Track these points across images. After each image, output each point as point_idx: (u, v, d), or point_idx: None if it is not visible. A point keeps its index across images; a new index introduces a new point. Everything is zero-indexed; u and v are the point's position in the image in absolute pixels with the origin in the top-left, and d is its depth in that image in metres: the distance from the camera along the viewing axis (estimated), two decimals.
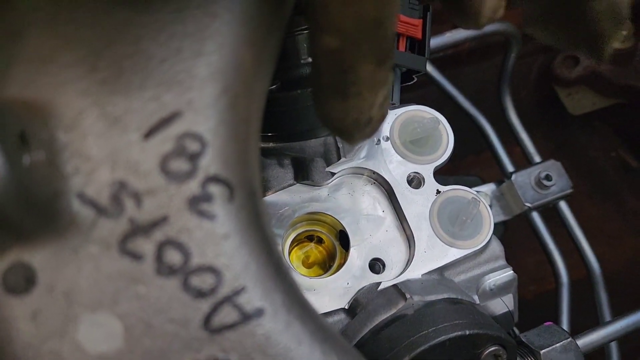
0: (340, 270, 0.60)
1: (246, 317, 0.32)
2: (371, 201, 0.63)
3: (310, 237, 0.65)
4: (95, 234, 0.31)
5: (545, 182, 0.77)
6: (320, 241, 0.64)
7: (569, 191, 0.78)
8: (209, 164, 0.33)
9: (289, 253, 0.64)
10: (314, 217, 0.63)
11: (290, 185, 0.62)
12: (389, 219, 0.62)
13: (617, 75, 1.00)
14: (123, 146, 0.32)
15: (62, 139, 0.31)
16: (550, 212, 0.87)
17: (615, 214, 1.06)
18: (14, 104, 0.31)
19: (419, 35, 0.54)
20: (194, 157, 0.33)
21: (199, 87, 0.33)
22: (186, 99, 0.33)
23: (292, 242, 0.64)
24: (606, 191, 1.09)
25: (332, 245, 0.64)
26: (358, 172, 0.63)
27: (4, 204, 0.27)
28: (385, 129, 0.64)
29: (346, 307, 0.57)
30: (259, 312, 0.32)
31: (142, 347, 0.31)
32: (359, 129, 0.36)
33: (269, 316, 0.32)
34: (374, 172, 0.63)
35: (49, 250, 0.31)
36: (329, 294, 0.58)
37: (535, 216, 0.82)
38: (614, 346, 0.71)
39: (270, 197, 0.61)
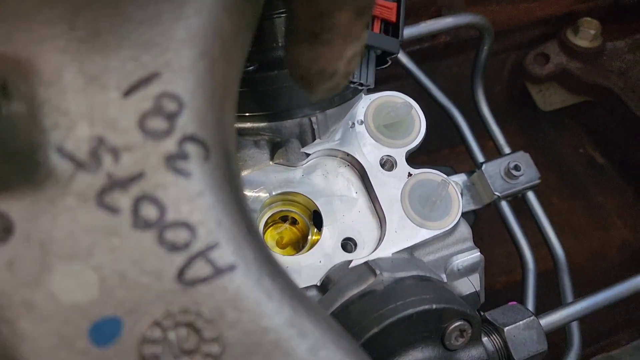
0: (313, 249, 0.61)
1: (218, 271, 0.33)
2: (345, 182, 0.64)
3: (284, 218, 0.66)
4: (73, 187, 0.32)
5: (514, 172, 0.80)
6: (294, 222, 0.66)
7: (536, 181, 0.80)
8: (186, 123, 0.34)
9: (264, 234, 0.65)
10: (288, 198, 0.64)
11: (266, 165, 0.64)
12: (362, 200, 0.64)
13: (585, 73, 1.04)
14: (102, 103, 0.33)
15: (42, 94, 0.32)
16: (519, 205, 0.89)
17: (582, 208, 1.09)
18: None
19: (393, 18, 0.55)
20: (171, 117, 0.34)
21: (177, 49, 0.34)
22: (164, 60, 0.34)
23: (267, 222, 0.65)
24: (574, 186, 1.12)
25: (306, 226, 0.65)
26: (332, 154, 0.65)
27: None
28: (360, 112, 0.66)
29: (318, 284, 0.59)
30: (231, 267, 0.33)
31: (116, 297, 0.32)
32: (322, 79, 0.37)
33: (240, 271, 0.33)
34: (348, 155, 0.64)
35: (26, 201, 0.31)
36: (301, 271, 0.60)
37: (505, 206, 0.84)
38: (574, 326, 0.73)
39: (246, 176, 0.63)
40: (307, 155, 0.63)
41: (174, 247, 0.33)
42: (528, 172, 0.80)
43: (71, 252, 0.31)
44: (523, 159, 0.81)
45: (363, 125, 0.66)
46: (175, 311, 0.32)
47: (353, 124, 0.65)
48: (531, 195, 0.85)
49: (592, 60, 1.04)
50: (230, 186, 0.35)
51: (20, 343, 0.31)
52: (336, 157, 0.65)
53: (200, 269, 0.33)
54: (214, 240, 0.33)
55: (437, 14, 0.96)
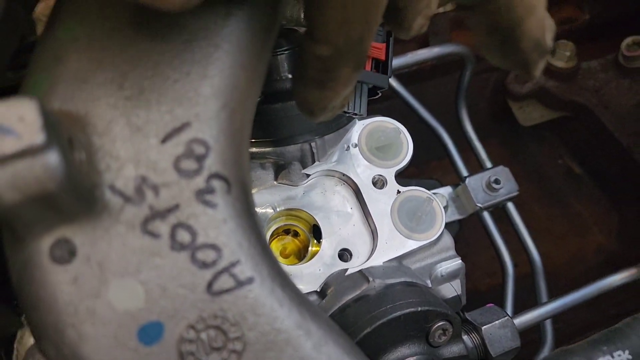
0: (313, 259, 0.69)
1: (240, 283, 0.41)
2: (341, 199, 0.72)
3: (287, 231, 0.74)
4: (122, 217, 0.40)
5: (495, 185, 0.88)
6: (296, 234, 0.74)
7: (515, 193, 0.88)
8: (212, 163, 0.42)
9: (269, 244, 0.73)
10: (291, 213, 0.73)
11: (271, 185, 0.72)
12: (356, 215, 0.72)
13: (562, 91, 1.12)
14: (144, 149, 0.41)
15: (97, 143, 0.40)
16: (500, 214, 0.98)
17: (561, 216, 1.18)
18: (61, 114, 0.39)
19: (383, 57, 0.63)
20: (200, 158, 0.42)
21: (203, 103, 0.42)
22: (194, 113, 0.42)
23: (272, 235, 0.73)
24: (553, 195, 1.20)
25: (307, 238, 0.73)
26: (330, 174, 0.73)
27: (59, 193, 0.36)
28: (354, 136, 0.74)
29: (318, 290, 0.67)
30: (250, 280, 0.41)
31: (159, 305, 0.40)
32: (324, 112, 0.47)
33: (257, 283, 0.41)
34: (344, 174, 0.72)
35: (86, 229, 0.39)
36: (303, 279, 0.68)
37: (486, 215, 0.92)
38: (548, 324, 0.81)
39: (254, 195, 0.71)
40: (308, 175, 0.72)
41: (204, 265, 0.41)
42: (507, 185, 0.88)
43: (123, 269, 0.39)
44: (503, 173, 0.89)
45: (357, 148, 0.74)
46: (206, 316, 0.40)
47: (348, 147, 0.74)
48: (510, 206, 0.93)
49: (568, 79, 1.13)
50: (248, 214, 0.43)
51: (84, 343, 0.39)
52: (333, 176, 0.73)
53: (225, 282, 0.41)
54: (236, 259, 0.41)
55: (424, 39, 1.04)
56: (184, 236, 0.41)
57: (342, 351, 0.43)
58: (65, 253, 0.39)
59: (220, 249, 0.41)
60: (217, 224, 0.41)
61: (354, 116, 0.66)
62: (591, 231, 1.16)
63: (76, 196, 0.39)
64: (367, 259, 0.69)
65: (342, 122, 0.72)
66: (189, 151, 0.41)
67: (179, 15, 0.41)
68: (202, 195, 0.41)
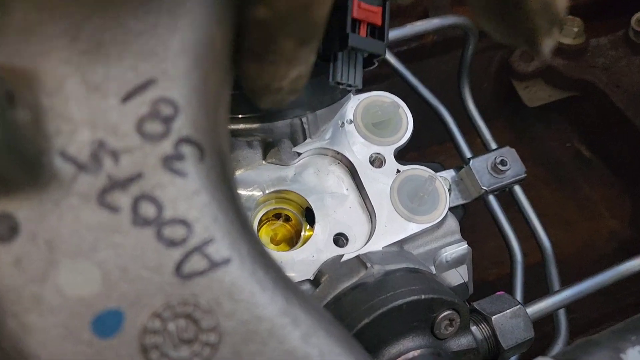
0: (306, 244, 0.63)
1: (214, 264, 0.35)
2: (335, 180, 0.66)
3: (277, 215, 0.68)
4: (75, 188, 0.34)
5: (501, 167, 0.82)
6: (287, 219, 0.68)
7: (522, 175, 0.82)
8: (181, 126, 0.36)
9: (258, 231, 0.67)
10: (281, 196, 0.67)
11: (259, 164, 0.66)
12: (352, 196, 0.66)
13: (570, 69, 1.06)
14: (102, 109, 0.35)
15: (46, 103, 0.34)
16: (507, 200, 0.92)
17: (570, 200, 1.12)
18: (0, 69, 0.33)
19: (379, 22, 0.57)
20: (167, 120, 0.36)
21: (173, 58, 0.37)
22: (161, 69, 0.36)
23: (261, 220, 0.67)
24: (562, 179, 1.14)
25: (299, 223, 0.67)
26: (323, 152, 0.67)
27: None
28: (349, 112, 0.68)
29: (311, 278, 0.61)
30: (226, 261, 0.35)
31: (119, 290, 0.34)
32: (267, 93, 0.41)
33: (235, 264, 0.36)
34: (338, 153, 0.66)
35: (32, 202, 0.33)
36: (295, 266, 0.62)
37: (492, 200, 0.86)
38: (562, 314, 0.76)
39: (240, 175, 0.65)
40: (299, 154, 0.66)
41: (171, 243, 0.35)
42: (514, 166, 0.82)
43: (75, 249, 0.33)
44: (509, 154, 0.83)
45: (352, 124, 0.68)
46: (174, 303, 0.34)
47: (343, 123, 0.68)
48: (518, 189, 0.87)
49: (576, 57, 1.06)
50: (225, 185, 0.37)
51: (27, 335, 0.33)
52: (327, 155, 0.67)
53: (196, 262, 0.35)
54: (210, 236, 0.35)
55: (424, 14, 0.98)
56: (148, 209, 0.35)
57: (334, 343, 0.37)
58: (5, 230, 0.33)
59: (190, 225, 0.35)
60: (188, 196, 0.35)
61: (349, 88, 0.60)
62: (603, 216, 1.10)
63: (18, 163, 0.33)
64: (365, 244, 0.63)
65: (335, 96, 0.66)
66: (154, 112, 0.36)
67: None
68: (170, 162, 0.35)
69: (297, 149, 0.65)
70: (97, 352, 0.33)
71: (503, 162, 0.82)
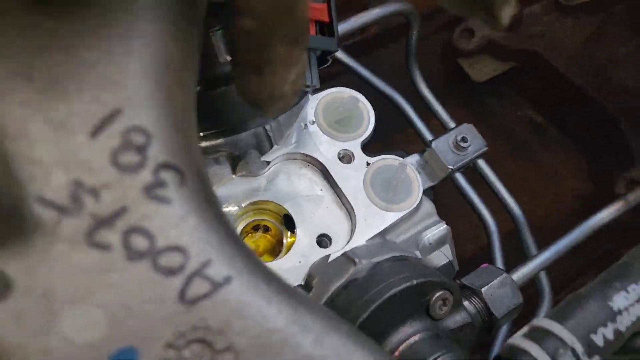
0: (290, 252, 0.63)
1: (217, 285, 0.35)
2: (308, 182, 0.66)
3: (256, 227, 0.67)
4: (61, 233, 0.33)
5: (462, 144, 0.83)
6: (266, 229, 0.67)
7: (484, 149, 0.84)
8: (157, 153, 0.35)
9: None
10: (257, 207, 0.66)
11: (229, 179, 0.65)
12: (328, 196, 0.66)
13: (509, 41, 1.09)
14: (72, 148, 0.34)
15: (12, 149, 0.33)
16: (473, 177, 0.94)
17: (531, 167, 1.15)
18: None
19: (326, 18, 0.58)
20: (141, 149, 0.35)
21: (134, 84, 0.36)
22: (124, 97, 0.35)
23: (241, 234, 0.67)
24: (520, 148, 1.18)
25: (279, 232, 0.67)
26: (291, 157, 0.67)
27: None
28: (310, 113, 0.68)
29: (302, 283, 0.61)
30: (227, 280, 0.35)
31: (127, 329, 0.33)
32: (272, 102, 0.41)
33: (236, 282, 0.35)
34: (307, 155, 0.66)
35: (20, 255, 0.32)
36: (283, 274, 0.61)
37: (460, 177, 0.88)
38: (543, 276, 0.78)
39: None
40: (268, 163, 0.65)
41: (170, 272, 0.34)
42: (475, 141, 0.84)
43: (74, 294, 0.32)
44: (468, 130, 0.85)
45: (315, 124, 0.68)
46: (185, 330, 0.33)
47: (305, 125, 0.68)
48: (482, 163, 0.89)
49: (513, 27, 1.10)
50: (209, 205, 0.37)
51: None
52: (296, 159, 0.67)
53: (199, 286, 0.34)
54: (206, 258, 0.35)
55: (364, 8, 0.99)
56: (139, 242, 0.34)
57: (347, 340, 0.37)
58: (0, 287, 0.32)
59: (185, 250, 0.35)
60: (176, 222, 0.35)
61: (307, 89, 0.60)
62: (564, 178, 1.14)
63: None
64: (348, 241, 0.63)
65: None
66: (126, 142, 0.35)
67: None
68: (152, 191, 0.35)
69: (265, 157, 0.65)
70: None
71: (464, 139, 0.84)
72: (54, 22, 0.35)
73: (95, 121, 0.35)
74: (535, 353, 0.43)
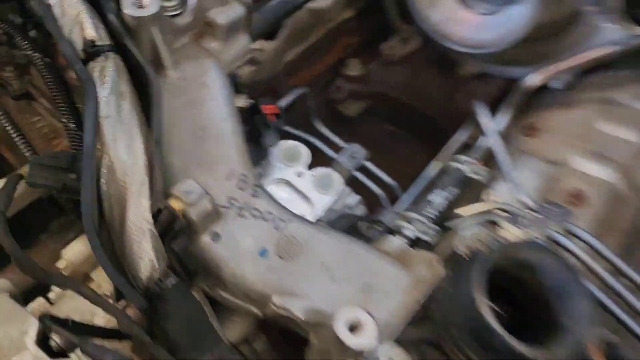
0: None
1: None
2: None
3: None
4: None
5: (354, 155, 1.50)
6: None
7: (365, 154, 1.51)
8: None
9: None
10: None
11: None
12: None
13: (364, 88, 1.78)
14: None
15: None
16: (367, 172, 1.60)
17: (392, 158, 1.85)
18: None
19: (277, 111, 1.21)
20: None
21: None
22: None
23: None
24: (386, 151, 1.87)
25: None
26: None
27: None
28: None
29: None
30: None
31: None
32: None
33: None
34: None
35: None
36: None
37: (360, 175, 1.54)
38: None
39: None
40: None
41: None
42: (360, 151, 1.51)
43: None
44: (356, 146, 1.51)
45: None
46: None
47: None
48: (368, 164, 1.55)
49: (363, 81, 1.80)
50: None
51: None
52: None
53: None
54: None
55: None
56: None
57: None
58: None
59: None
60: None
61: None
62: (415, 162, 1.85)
63: None
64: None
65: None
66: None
67: None
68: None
69: None
70: None
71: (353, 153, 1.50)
72: None
73: None
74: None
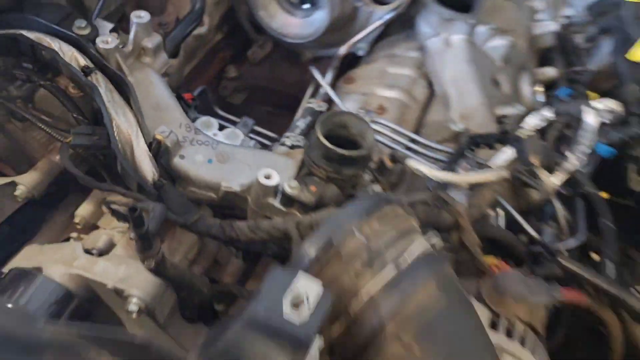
0: None
1: None
2: None
3: None
4: None
5: (254, 128, 2.28)
6: None
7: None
8: None
9: None
10: None
11: None
12: None
13: (242, 82, 2.57)
14: None
15: None
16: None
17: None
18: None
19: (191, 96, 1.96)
20: None
21: None
22: None
23: None
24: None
25: None
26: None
27: None
28: None
29: None
30: None
31: None
32: None
33: None
34: None
35: None
36: None
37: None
38: None
39: None
40: None
41: None
42: (247, 122, 2.28)
43: None
44: (247, 122, 2.29)
45: None
46: None
47: None
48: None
49: (240, 79, 2.58)
50: None
51: None
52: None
53: None
54: None
55: None
56: None
57: None
58: None
59: None
60: None
61: None
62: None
63: None
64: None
65: None
66: None
67: None
68: None
69: None
70: None
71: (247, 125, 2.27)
72: None
73: None
74: None
